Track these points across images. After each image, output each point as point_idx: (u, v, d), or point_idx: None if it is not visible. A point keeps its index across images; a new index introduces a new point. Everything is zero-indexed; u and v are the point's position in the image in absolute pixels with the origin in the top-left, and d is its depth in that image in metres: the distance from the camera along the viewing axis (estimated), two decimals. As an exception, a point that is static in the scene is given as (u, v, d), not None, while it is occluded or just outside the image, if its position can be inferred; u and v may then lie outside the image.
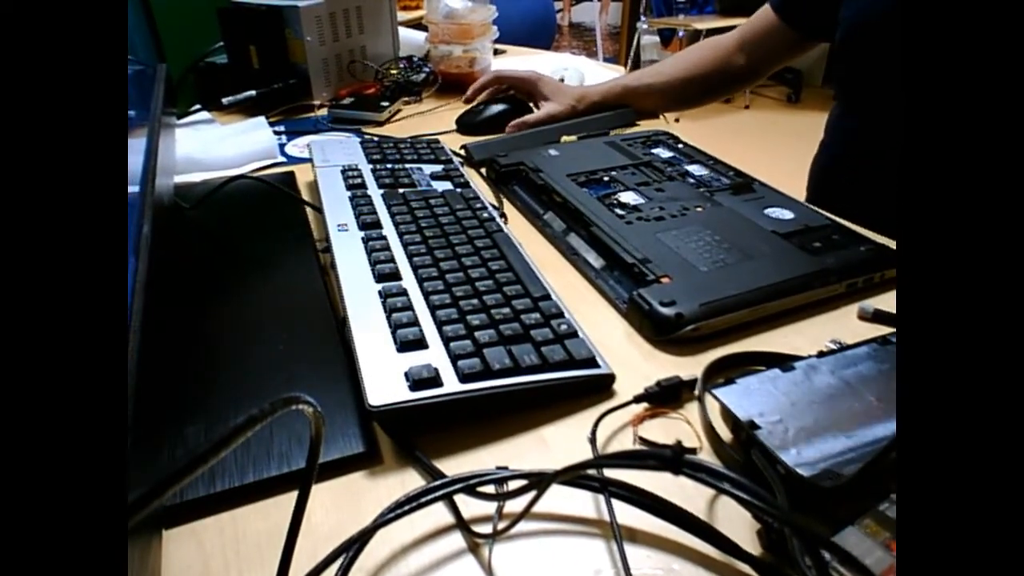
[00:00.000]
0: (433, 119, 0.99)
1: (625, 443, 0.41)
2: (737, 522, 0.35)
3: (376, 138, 0.82)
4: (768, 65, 0.97)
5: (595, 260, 0.58)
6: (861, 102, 0.83)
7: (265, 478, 0.37)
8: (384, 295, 0.47)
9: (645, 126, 0.93)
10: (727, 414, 0.40)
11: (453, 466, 0.39)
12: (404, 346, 0.43)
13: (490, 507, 0.36)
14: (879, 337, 0.44)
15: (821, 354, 0.43)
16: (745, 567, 0.33)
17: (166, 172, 0.60)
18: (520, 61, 1.28)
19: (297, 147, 0.88)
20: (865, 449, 0.35)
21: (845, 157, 0.87)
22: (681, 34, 3.67)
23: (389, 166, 0.71)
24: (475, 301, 0.47)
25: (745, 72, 0.96)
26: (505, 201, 0.72)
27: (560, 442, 0.41)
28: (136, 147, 0.48)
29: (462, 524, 0.35)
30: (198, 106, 0.96)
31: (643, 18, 3.74)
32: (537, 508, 0.34)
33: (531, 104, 0.96)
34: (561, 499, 0.36)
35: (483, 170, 0.79)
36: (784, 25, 0.90)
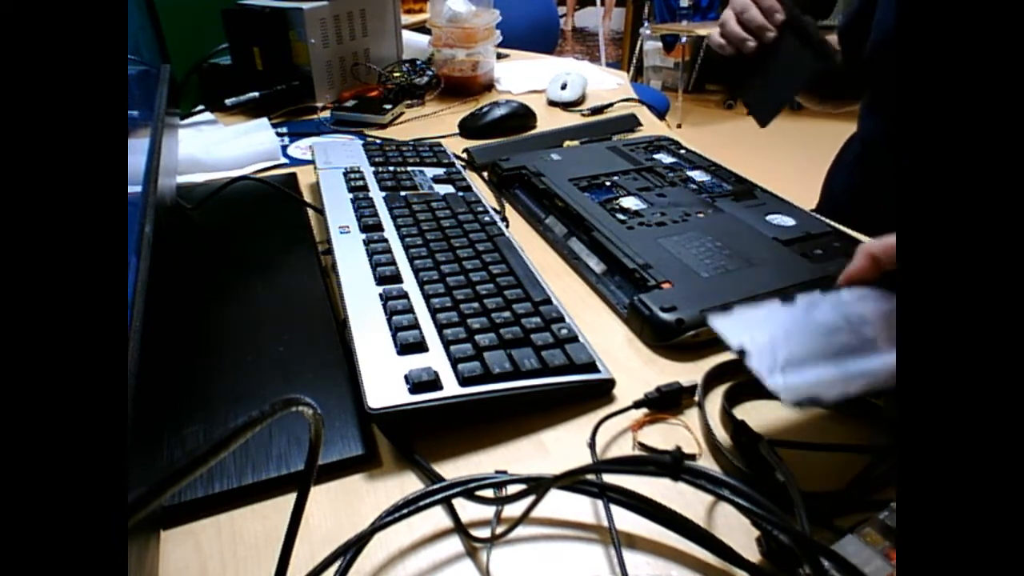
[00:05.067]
0: (435, 122, 0.99)
1: (624, 448, 0.41)
2: (736, 529, 0.35)
3: (378, 141, 0.82)
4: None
5: (596, 265, 0.58)
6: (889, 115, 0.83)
7: (264, 479, 0.37)
8: (385, 297, 0.47)
9: (647, 131, 0.93)
10: (727, 418, 0.39)
11: (452, 470, 0.39)
12: (404, 349, 0.43)
13: (489, 511, 0.36)
14: (883, 278, 0.42)
15: (824, 291, 0.40)
16: (743, 574, 0.33)
17: (169, 172, 0.61)
18: (523, 65, 1.28)
19: (299, 149, 0.88)
20: (855, 379, 0.34)
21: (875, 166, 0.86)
22: (684, 40, 3.67)
23: (391, 169, 0.71)
24: (476, 304, 0.47)
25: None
26: (507, 205, 0.72)
27: (559, 447, 0.41)
28: (139, 147, 0.48)
29: (460, 528, 0.35)
30: (201, 107, 0.96)
31: (646, 23, 3.75)
32: (536, 513, 0.34)
33: (531, 110, 0.96)
34: (560, 504, 0.36)
35: (485, 174, 0.79)
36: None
